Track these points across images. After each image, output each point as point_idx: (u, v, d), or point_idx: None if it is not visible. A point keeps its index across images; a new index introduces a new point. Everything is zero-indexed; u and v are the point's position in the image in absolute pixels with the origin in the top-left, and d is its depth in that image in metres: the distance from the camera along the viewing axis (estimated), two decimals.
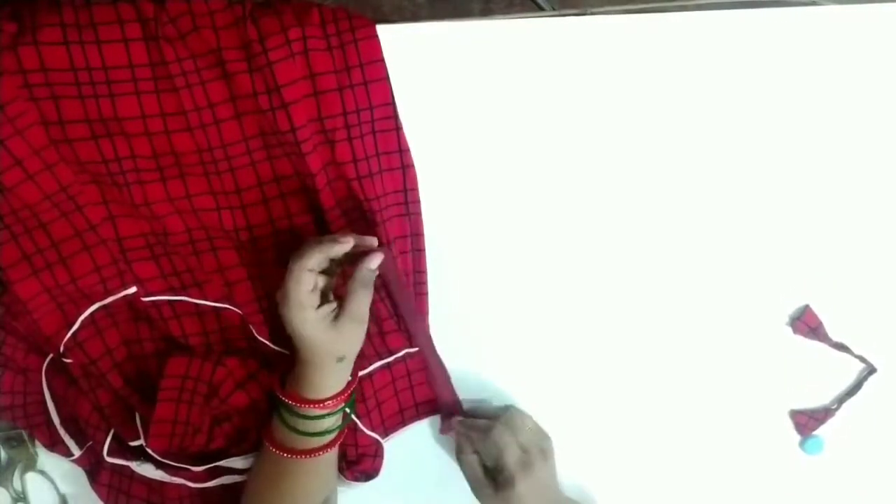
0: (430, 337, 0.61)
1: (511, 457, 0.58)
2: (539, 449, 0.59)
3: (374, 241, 0.54)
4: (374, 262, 0.53)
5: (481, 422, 0.61)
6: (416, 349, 0.62)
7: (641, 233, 0.60)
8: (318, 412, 0.55)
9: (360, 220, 0.56)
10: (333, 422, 0.56)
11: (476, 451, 0.61)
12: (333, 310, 0.53)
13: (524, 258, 0.61)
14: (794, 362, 0.63)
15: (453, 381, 0.64)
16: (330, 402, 0.55)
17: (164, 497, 0.63)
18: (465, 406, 0.64)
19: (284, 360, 0.60)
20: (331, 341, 0.53)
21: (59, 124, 0.50)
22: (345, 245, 0.52)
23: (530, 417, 0.62)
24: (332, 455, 0.58)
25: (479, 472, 0.60)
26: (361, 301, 0.53)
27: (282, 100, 0.50)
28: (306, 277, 0.51)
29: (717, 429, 0.65)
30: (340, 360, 0.54)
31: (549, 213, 0.59)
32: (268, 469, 0.57)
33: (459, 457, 0.62)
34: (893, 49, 0.54)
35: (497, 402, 0.65)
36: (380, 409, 0.62)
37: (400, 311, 0.59)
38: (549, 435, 0.62)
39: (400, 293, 0.58)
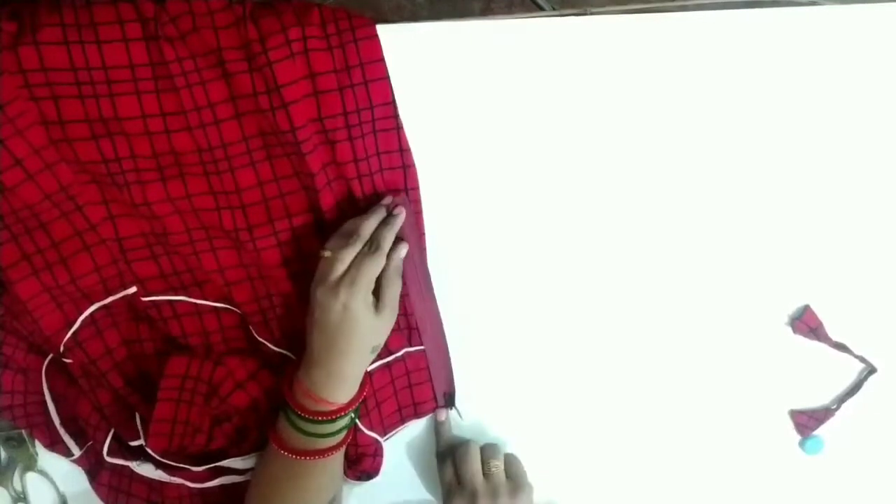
0: (440, 319, 0.62)
1: (443, 482, 0.61)
2: (471, 492, 0.59)
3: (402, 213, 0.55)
4: (405, 250, 0.55)
5: (441, 449, 0.64)
6: (416, 349, 0.62)
7: (642, 233, 0.60)
8: (333, 412, 0.54)
9: None
10: (346, 421, 0.56)
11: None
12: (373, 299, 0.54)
13: (525, 257, 0.61)
14: (794, 362, 0.63)
15: (454, 379, 0.64)
16: (349, 404, 0.55)
17: (164, 497, 0.63)
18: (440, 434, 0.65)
19: (285, 361, 0.60)
20: (375, 329, 0.54)
21: (59, 124, 0.50)
22: (402, 217, 0.54)
23: (493, 461, 0.61)
24: (342, 451, 0.58)
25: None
26: (397, 289, 0.54)
27: (282, 100, 0.50)
28: (383, 258, 0.52)
29: (717, 429, 0.65)
30: (374, 350, 0.55)
31: (549, 212, 0.59)
32: (277, 471, 0.57)
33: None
34: (893, 49, 0.54)
35: (496, 401, 0.65)
36: (379, 408, 0.62)
37: (413, 295, 0.59)
38: (516, 490, 0.60)
39: (420, 269, 0.59)
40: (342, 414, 0.54)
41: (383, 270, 0.53)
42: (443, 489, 0.61)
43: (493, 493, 0.59)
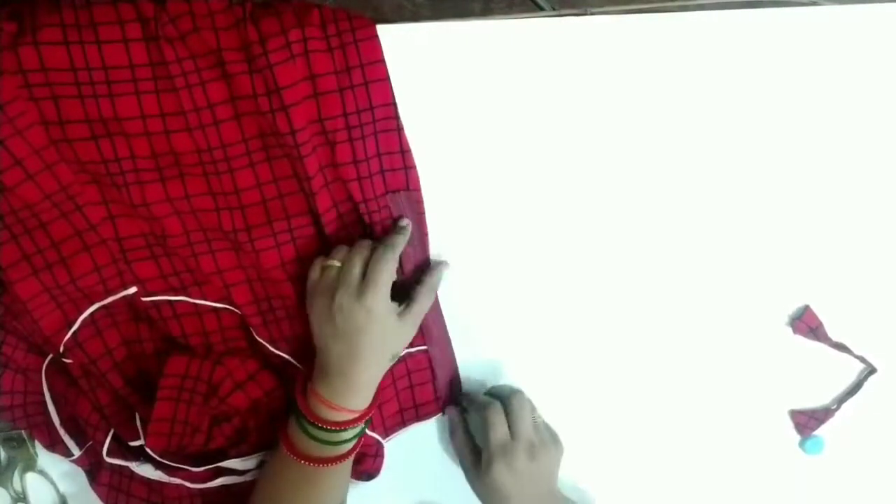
0: (443, 321, 0.62)
1: (494, 436, 0.58)
2: (529, 443, 0.58)
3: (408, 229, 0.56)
4: (446, 269, 0.57)
5: (483, 398, 0.62)
6: (416, 349, 0.62)
7: (642, 233, 0.60)
8: (351, 421, 0.54)
9: (358, 222, 0.56)
10: (360, 429, 0.56)
11: (466, 432, 0.62)
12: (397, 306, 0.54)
13: (526, 258, 0.61)
14: (794, 362, 0.63)
15: (460, 380, 0.65)
16: (365, 412, 0.55)
17: (163, 497, 0.63)
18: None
19: (286, 362, 0.60)
20: (397, 334, 0.54)
21: (58, 124, 0.50)
22: (409, 229, 0.56)
23: (535, 412, 0.62)
24: (353, 455, 0.58)
25: (465, 452, 0.61)
26: (427, 304, 0.55)
27: (282, 102, 0.50)
28: (396, 255, 0.53)
29: (717, 429, 0.65)
30: (394, 357, 0.55)
31: (550, 213, 0.59)
32: (288, 475, 0.57)
33: (451, 438, 0.63)
34: (893, 49, 0.54)
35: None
36: (380, 409, 0.62)
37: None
38: (556, 439, 0.62)
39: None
40: (364, 418, 0.55)
41: (419, 285, 0.54)
42: (490, 447, 0.58)
43: (542, 442, 0.60)
